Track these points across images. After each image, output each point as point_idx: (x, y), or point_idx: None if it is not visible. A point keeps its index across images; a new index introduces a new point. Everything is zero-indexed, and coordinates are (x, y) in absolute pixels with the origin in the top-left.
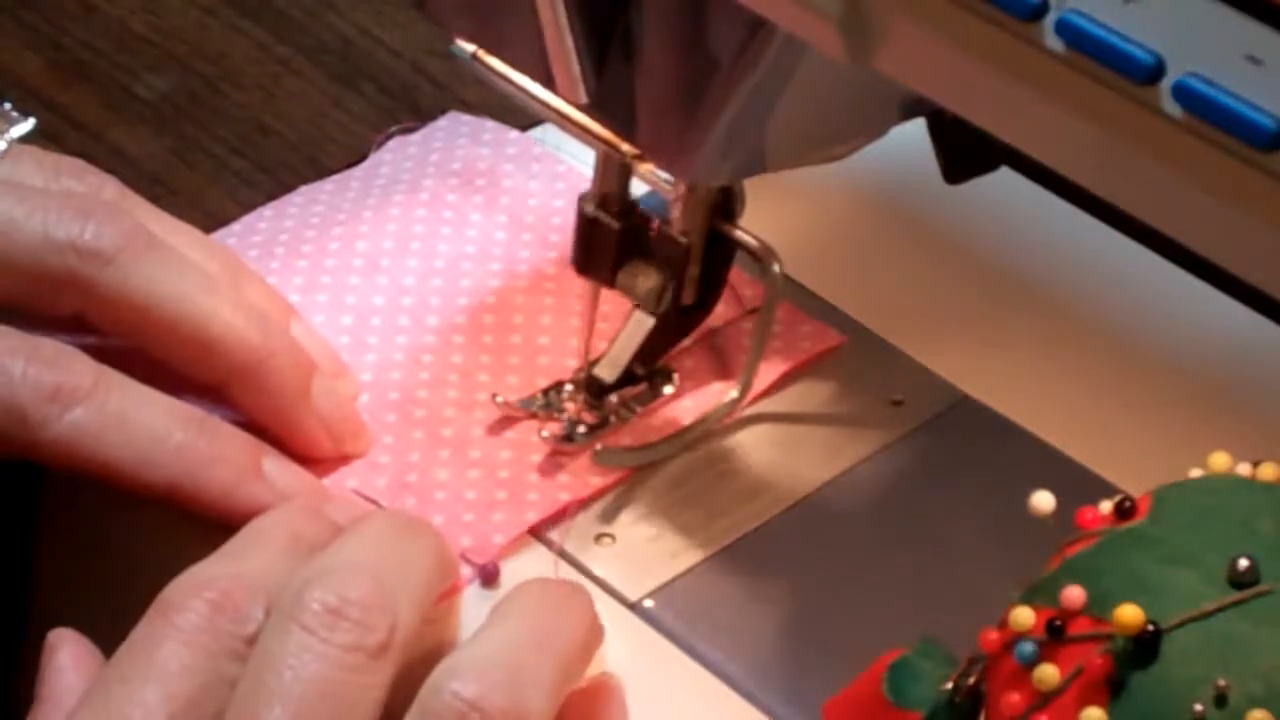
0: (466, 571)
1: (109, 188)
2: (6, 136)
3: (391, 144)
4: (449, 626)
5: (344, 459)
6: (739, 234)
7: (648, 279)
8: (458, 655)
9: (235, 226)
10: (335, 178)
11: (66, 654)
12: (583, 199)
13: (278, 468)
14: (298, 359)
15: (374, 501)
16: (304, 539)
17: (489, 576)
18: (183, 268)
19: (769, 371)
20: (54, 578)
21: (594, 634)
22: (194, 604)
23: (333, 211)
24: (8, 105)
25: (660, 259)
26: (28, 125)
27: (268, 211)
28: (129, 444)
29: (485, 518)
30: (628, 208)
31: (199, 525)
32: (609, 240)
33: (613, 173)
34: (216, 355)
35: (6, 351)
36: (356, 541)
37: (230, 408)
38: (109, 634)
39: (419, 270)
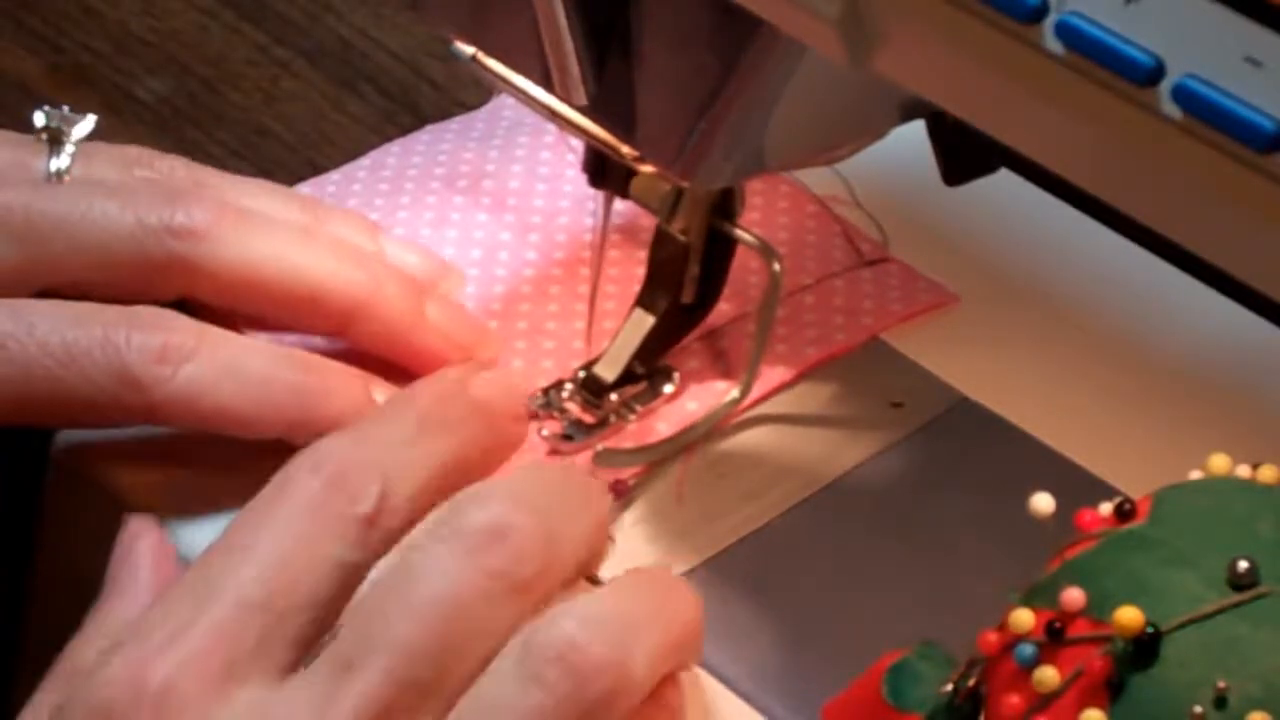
0: None
1: (179, 167)
2: (72, 139)
3: None
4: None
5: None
6: (739, 232)
7: (662, 184)
8: (571, 601)
9: (364, 160)
10: (460, 118)
11: (146, 546)
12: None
13: (387, 393)
14: (404, 284)
15: None
16: (435, 420)
17: (620, 491)
18: (272, 227)
19: (886, 318)
20: (54, 564)
21: (700, 629)
22: (311, 480)
23: (459, 150)
24: (65, 108)
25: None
26: (89, 124)
27: (395, 148)
28: (243, 391)
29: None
30: None
31: (198, 516)
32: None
33: None
34: (326, 303)
35: (109, 323)
36: (531, 477)
37: (354, 349)
38: None
39: (545, 209)
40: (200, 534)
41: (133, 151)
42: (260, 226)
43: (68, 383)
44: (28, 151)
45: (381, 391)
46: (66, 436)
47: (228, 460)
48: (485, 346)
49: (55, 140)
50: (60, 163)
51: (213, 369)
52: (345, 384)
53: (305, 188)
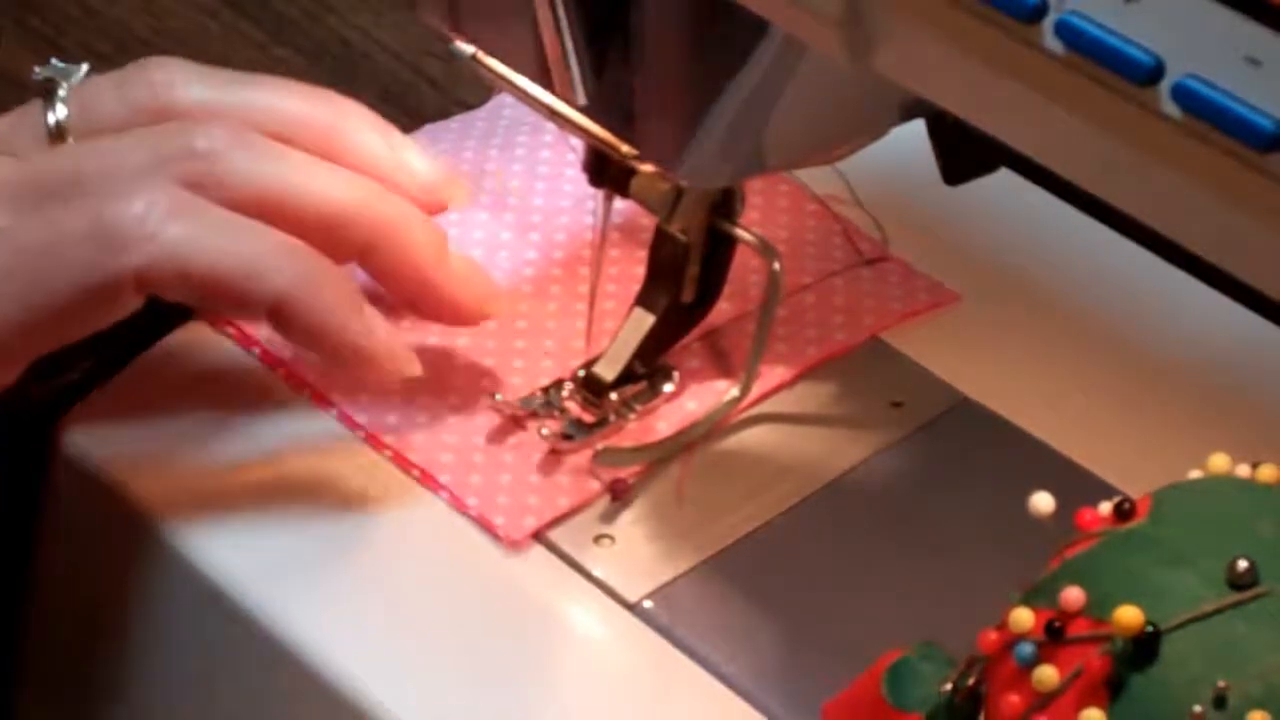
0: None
1: (176, 70)
2: (66, 86)
3: None
4: None
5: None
6: (739, 231)
7: (662, 184)
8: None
9: None
10: (460, 117)
11: None
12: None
13: (377, 318)
14: (430, 226)
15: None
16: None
17: (620, 491)
18: (288, 154)
19: (886, 318)
20: (54, 564)
21: None
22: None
23: (459, 149)
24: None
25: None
26: (82, 73)
27: None
28: (238, 254)
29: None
30: None
31: (196, 524)
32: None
33: None
34: (350, 229)
35: (89, 194)
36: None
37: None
38: (105, 631)
39: (545, 209)
40: (204, 534)
41: (129, 72)
42: (274, 151)
43: (49, 271)
44: (28, 112)
45: (372, 312)
46: (69, 436)
47: (230, 461)
48: (495, 305)
49: (49, 93)
50: (58, 115)
51: (200, 227)
52: (343, 282)
53: None
